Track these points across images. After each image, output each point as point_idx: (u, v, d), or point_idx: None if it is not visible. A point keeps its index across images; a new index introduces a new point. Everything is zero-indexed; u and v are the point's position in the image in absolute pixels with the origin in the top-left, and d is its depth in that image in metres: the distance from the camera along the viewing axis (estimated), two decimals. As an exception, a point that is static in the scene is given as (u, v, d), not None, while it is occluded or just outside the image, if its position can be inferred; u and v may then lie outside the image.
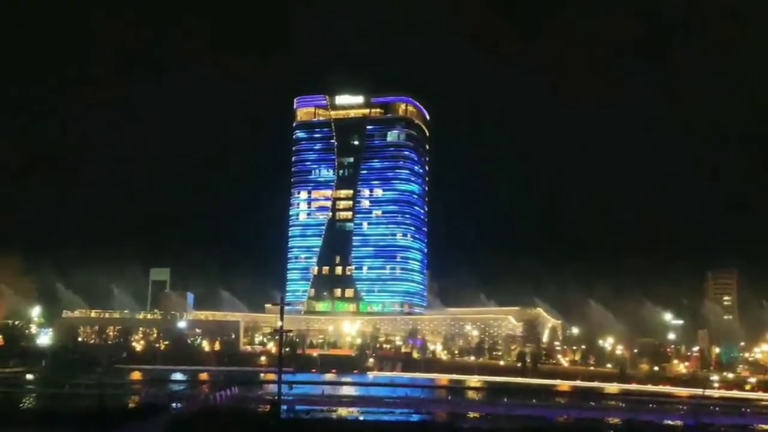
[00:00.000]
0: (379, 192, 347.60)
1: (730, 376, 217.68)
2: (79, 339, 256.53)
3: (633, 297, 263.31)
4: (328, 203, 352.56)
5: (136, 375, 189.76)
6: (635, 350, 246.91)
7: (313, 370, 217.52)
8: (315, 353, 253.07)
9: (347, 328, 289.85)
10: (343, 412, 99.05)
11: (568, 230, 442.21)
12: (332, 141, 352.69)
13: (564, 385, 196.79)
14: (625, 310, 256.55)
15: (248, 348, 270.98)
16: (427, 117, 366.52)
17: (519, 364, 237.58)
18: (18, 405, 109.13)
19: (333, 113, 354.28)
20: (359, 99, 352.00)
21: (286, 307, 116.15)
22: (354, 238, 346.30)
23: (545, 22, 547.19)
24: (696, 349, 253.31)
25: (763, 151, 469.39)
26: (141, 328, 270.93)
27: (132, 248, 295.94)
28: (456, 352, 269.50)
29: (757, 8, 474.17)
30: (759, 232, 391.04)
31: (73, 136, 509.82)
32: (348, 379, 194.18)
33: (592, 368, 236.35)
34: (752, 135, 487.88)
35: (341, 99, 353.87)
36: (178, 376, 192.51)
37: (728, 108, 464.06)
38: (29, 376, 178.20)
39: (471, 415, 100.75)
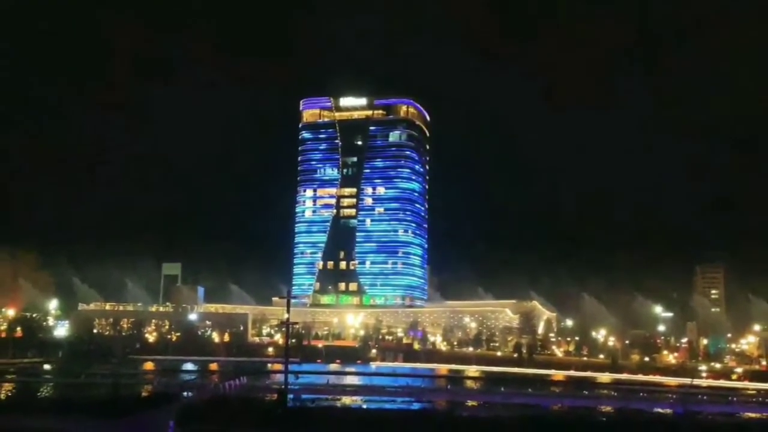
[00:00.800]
0: (381, 190, 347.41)
1: (718, 366, 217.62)
2: (95, 331, 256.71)
3: (625, 291, 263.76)
4: (333, 201, 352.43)
5: (148, 365, 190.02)
6: (627, 341, 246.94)
7: (319, 361, 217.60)
8: (320, 344, 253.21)
9: (351, 321, 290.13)
10: (347, 400, 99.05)
11: (562, 227, 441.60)
12: (337, 141, 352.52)
13: (558, 374, 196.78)
14: (617, 303, 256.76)
15: (256, 339, 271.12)
16: (428, 118, 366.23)
17: (515, 355, 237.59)
18: (36, 394, 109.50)
19: (337, 115, 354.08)
20: (362, 101, 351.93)
21: (293, 300, 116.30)
22: (357, 234, 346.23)
23: (542, 26, 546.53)
24: (685, 340, 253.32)
25: (749, 152, 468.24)
26: (153, 321, 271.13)
27: (145, 244, 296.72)
28: (455, 343, 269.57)
29: (745, 12, 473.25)
30: (745, 228, 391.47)
31: (88, 137, 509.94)
32: (352, 369, 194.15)
33: (585, 359, 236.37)
34: (740, 136, 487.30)
35: (345, 101, 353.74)
36: (189, 366, 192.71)
37: (717, 110, 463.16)
38: (47, 366, 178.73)
39: (469, 403, 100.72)
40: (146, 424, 55.29)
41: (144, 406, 67.97)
